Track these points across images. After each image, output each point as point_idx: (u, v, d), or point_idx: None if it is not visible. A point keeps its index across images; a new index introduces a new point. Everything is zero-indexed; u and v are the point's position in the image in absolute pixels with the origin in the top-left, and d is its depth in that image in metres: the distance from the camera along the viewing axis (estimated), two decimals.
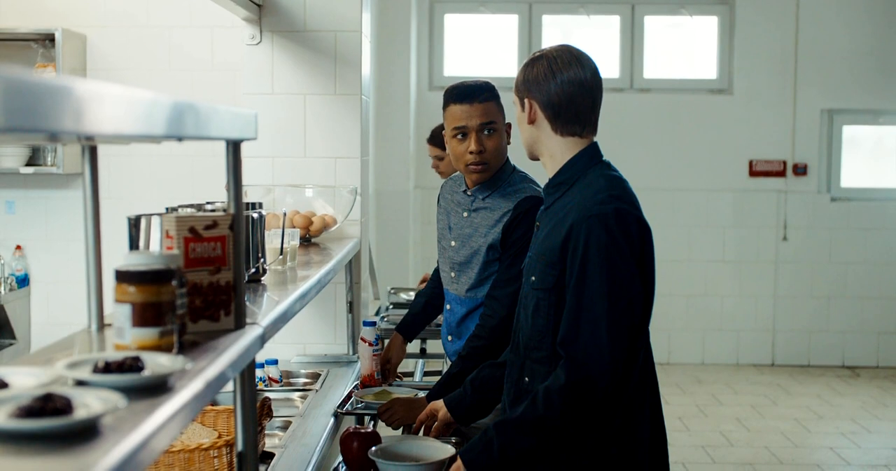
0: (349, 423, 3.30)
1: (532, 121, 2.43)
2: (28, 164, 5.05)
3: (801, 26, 8.23)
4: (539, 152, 2.48)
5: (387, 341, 3.58)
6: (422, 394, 3.07)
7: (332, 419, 3.09)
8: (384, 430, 2.99)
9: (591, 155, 2.43)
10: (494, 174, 3.09)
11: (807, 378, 8.00)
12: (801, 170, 8.31)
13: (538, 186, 3.05)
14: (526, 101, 2.44)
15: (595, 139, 2.46)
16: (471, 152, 3.01)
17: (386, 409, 2.97)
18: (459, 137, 3.03)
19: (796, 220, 8.32)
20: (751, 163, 8.33)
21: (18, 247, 5.19)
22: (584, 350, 2.21)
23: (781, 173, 8.33)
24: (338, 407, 3.16)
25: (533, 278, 2.38)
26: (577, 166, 2.40)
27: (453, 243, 3.19)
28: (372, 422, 3.09)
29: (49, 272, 5.21)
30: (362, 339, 3.40)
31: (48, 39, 4.86)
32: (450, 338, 3.26)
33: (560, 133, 2.42)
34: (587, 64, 2.42)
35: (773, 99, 8.29)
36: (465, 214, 3.16)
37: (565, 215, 2.32)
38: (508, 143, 3.12)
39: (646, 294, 2.31)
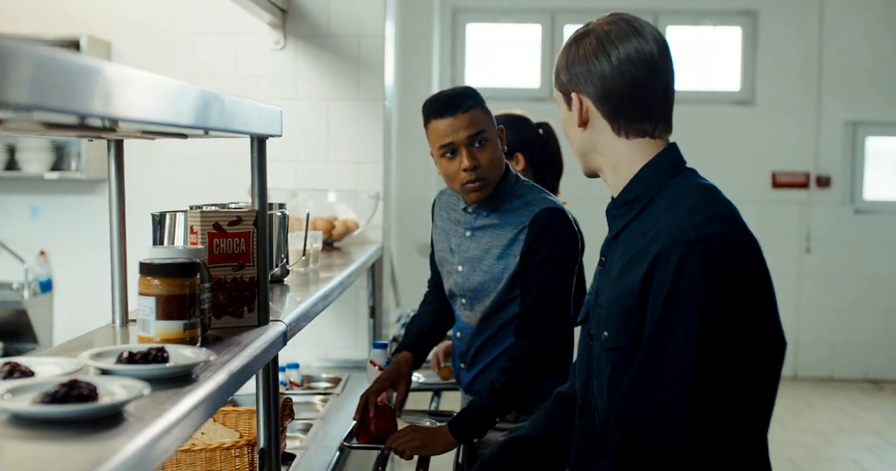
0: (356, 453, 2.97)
1: (584, 122, 1.81)
2: (52, 169, 5.07)
3: (825, 37, 8.19)
4: (597, 164, 1.85)
5: None
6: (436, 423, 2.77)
7: (337, 453, 2.78)
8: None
9: (671, 161, 1.82)
10: (495, 187, 2.69)
11: (829, 391, 7.94)
12: (824, 182, 8.25)
13: (550, 194, 2.72)
14: (573, 95, 1.81)
15: (671, 139, 1.86)
16: (464, 170, 2.60)
17: (400, 436, 2.57)
18: (448, 155, 2.62)
19: (819, 232, 8.27)
20: (774, 174, 8.29)
21: (42, 252, 5.21)
22: (654, 427, 1.64)
23: (805, 185, 8.28)
24: (344, 440, 2.75)
25: (605, 335, 1.77)
26: (654, 177, 1.79)
27: (460, 268, 2.79)
28: (380, 467, 2.59)
29: (72, 278, 5.22)
30: (371, 362, 2.99)
31: (73, 46, 4.88)
32: (462, 366, 2.88)
33: (625, 135, 1.80)
34: (651, 35, 1.80)
35: (796, 110, 8.25)
36: (469, 234, 2.78)
37: (647, 245, 1.71)
38: (505, 150, 2.71)
39: (769, 352, 1.71)
